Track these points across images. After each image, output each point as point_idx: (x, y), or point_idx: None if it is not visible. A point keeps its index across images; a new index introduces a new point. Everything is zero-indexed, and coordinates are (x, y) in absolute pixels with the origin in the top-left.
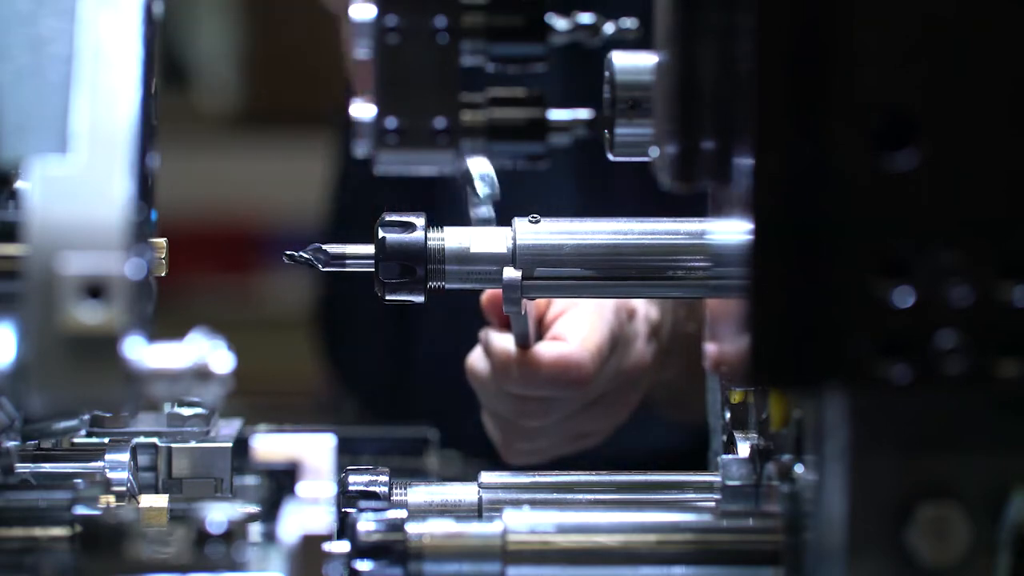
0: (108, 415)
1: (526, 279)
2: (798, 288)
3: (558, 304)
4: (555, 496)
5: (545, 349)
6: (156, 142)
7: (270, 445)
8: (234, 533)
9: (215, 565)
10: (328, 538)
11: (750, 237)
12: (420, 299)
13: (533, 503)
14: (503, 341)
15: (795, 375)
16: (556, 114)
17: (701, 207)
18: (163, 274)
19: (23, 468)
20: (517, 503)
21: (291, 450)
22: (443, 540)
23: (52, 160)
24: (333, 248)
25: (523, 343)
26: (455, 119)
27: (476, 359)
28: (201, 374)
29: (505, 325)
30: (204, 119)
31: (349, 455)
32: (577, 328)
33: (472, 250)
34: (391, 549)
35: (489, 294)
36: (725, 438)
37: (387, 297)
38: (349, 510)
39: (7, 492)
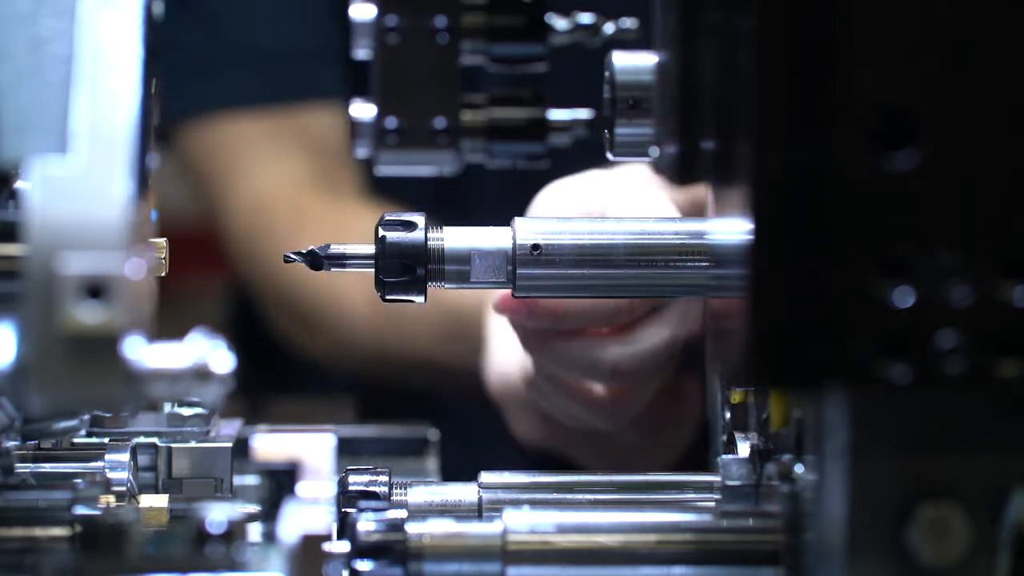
0: (108, 415)
1: (526, 280)
2: (798, 288)
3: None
4: (555, 496)
5: None
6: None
7: (270, 445)
8: (234, 533)
9: (215, 565)
10: (328, 538)
11: (750, 237)
12: (420, 299)
13: (533, 503)
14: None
15: (795, 375)
16: (556, 114)
17: None
18: (163, 274)
19: (23, 468)
20: (517, 503)
21: (291, 450)
22: (443, 540)
23: (52, 160)
24: (333, 248)
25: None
26: (455, 119)
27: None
28: (201, 374)
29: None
30: None
31: (349, 455)
32: None
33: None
34: (391, 549)
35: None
36: (725, 438)
37: (387, 297)
38: (349, 510)
39: (7, 492)
